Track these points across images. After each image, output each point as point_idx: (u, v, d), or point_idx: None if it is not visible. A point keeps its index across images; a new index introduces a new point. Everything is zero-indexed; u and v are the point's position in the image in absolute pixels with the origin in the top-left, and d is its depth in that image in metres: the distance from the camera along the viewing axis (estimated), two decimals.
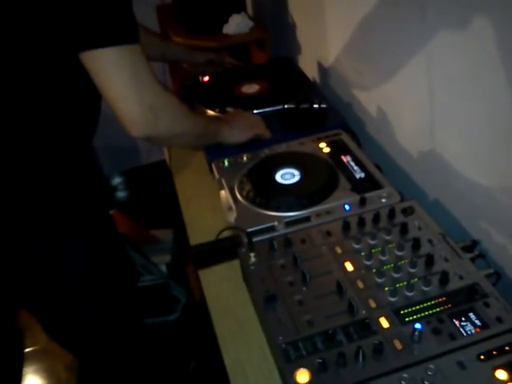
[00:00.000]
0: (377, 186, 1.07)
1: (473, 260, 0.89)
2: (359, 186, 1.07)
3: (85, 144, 1.08)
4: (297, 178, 1.12)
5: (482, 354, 0.72)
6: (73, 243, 1.05)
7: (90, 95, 0.93)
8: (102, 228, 1.15)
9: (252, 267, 0.92)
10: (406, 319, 0.78)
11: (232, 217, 1.05)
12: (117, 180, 3.08)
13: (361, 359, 0.73)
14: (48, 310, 1.15)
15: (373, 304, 0.81)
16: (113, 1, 0.82)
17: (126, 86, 0.86)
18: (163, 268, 2.08)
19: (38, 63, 0.88)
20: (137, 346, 1.35)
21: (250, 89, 1.50)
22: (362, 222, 0.97)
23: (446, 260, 0.87)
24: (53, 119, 0.95)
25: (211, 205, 1.21)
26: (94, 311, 1.17)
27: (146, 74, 0.89)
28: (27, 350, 2.09)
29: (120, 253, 1.26)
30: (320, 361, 0.73)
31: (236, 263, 0.99)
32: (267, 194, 1.07)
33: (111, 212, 2.01)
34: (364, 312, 0.80)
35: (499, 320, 0.76)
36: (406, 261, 0.88)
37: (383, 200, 1.03)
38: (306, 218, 1.02)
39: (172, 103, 0.97)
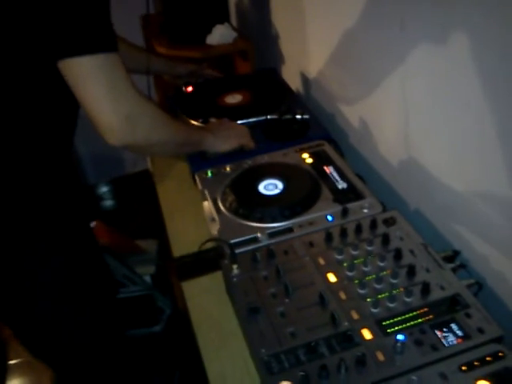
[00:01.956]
0: (359, 196, 1.07)
1: (454, 270, 0.89)
2: (341, 197, 1.08)
3: (64, 152, 1.07)
4: (280, 189, 1.12)
5: (463, 365, 0.72)
6: (50, 254, 1.04)
7: (67, 102, 0.92)
8: (80, 239, 1.14)
9: (235, 279, 0.92)
10: (389, 330, 0.78)
11: (215, 228, 1.05)
12: (101, 189, 3.07)
13: (343, 371, 0.73)
14: (25, 322, 1.13)
15: (355, 315, 0.81)
16: (90, 10, 0.82)
17: (102, 94, 0.86)
18: (148, 279, 2.07)
19: (16, 71, 0.88)
20: (119, 358, 1.34)
21: (234, 99, 1.51)
22: (344, 233, 0.97)
23: (428, 270, 0.88)
24: (30, 126, 0.95)
25: (194, 216, 1.20)
26: (73, 323, 1.15)
27: (123, 82, 0.89)
28: (11, 362, 2.06)
29: (98, 264, 1.24)
30: (302, 373, 0.72)
31: (219, 275, 0.98)
32: (250, 205, 1.07)
33: (94, 223, 2.00)
34: (346, 323, 0.80)
35: (480, 331, 0.76)
36: (388, 271, 0.88)
37: (365, 210, 1.04)
38: (289, 229, 1.02)
39: (150, 111, 0.97)
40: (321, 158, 1.22)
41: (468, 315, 0.79)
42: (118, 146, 0.93)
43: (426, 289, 0.83)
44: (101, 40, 0.85)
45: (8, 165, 0.95)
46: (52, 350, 1.19)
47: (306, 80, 1.67)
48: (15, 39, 0.84)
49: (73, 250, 1.10)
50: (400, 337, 0.76)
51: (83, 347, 1.20)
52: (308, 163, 1.20)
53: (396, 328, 0.79)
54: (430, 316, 0.80)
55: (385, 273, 0.88)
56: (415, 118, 1.09)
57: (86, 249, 1.17)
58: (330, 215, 1.04)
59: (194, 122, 1.38)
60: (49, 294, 1.08)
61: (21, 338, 1.20)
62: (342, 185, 1.11)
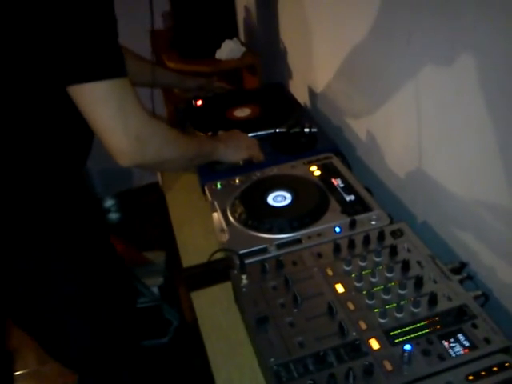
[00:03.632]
0: (366, 208, 1.09)
1: (461, 282, 0.90)
2: (349, 209, 1.09)
3: (79, 166, 1.09)
4: (288, 201, 1.13)
5: (470, 375, 0.73)
6: (68, 262, 1.06)
7: (83, 122, 0.95)
8: (98, 248, 1.16)
9: (244, 289, 0.93)
10: (396, 340, 0.79)
11: (224, 239, 1.06)
12: (109, 202, 3.09)
13: (351, 381, 0.74)
14: (44, 327, 1.15)
15: (363, 325, 0.82)
16: (99, 36, 0.84)
17: (112, 118, 0.88)
18: (155, 290, 2.08)
19: (29, 94, 0.90)
20: (133, 367, 1.35)
21: (242, 113, 1.53)
22: (352, 245, 0.98)
23: (435, 282, 0.89)
24: (47, 144, 0.97)
25: (204, 227, 1.22)
26: (91, 331, 1.17)
27: (133, 105, 0.90)
28: (17, 372, 2.07)
29: (118, 273, 1.26)
30: (311, 382, 0.73)
31: (228, 285, 0.99)
32: (259, 216, 1.09)
33: None
34: (354, 333, 0.81)
35: (487, 341, 0.77)
36: (396, 282, 0.89)
37: (373, 222, 1.05)
38: (298, 241, 1.03)
39: (159, 131, 0.98)
40: (329, 171, 1.23)
41: (475, 326, 0.80)
42: (129, 166, 0.95)
43: (433, 300, 0.84)
44: (110, 66, 0.86)
45: (26, 181, 0.97)
46: (69, 354, 1.21)
47: (313, 94, 1.69)
48: (26, 65, 0.86)
49: (92, 256, 1.12)
50: (407, 347, 0.77)
51: (100, 353, 1.22)
52: (316, 175, 1.22)
53: (403, 338, 0.79)
54: (438, 326, 0.80)
55: (392, 284, 0.89)
56: (422, 130, 1.10)
57: (106, 255, 1.19)
58: (338, 227, 1.05)
59: (203, 135, 1.40)
60: (71, 300, 1.11)
61: (40, 341, 1.22)
62: (349, 197, 1.13)
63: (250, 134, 1.37)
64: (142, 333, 1.51)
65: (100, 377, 1.29)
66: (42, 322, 1.13)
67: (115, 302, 1.21)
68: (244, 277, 0.95)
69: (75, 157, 1.07)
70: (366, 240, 0.99)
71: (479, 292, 0.89)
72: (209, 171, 1.27)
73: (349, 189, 1.16)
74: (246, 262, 0.98)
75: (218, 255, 1.03)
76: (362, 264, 0.94)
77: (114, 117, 0.88)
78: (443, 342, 0.78)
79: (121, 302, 1.24)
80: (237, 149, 1.25)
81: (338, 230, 1.05)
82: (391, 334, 0.80)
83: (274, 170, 1.26)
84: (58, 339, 1.17)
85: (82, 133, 1.04)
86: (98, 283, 1.14)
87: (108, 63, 0.86)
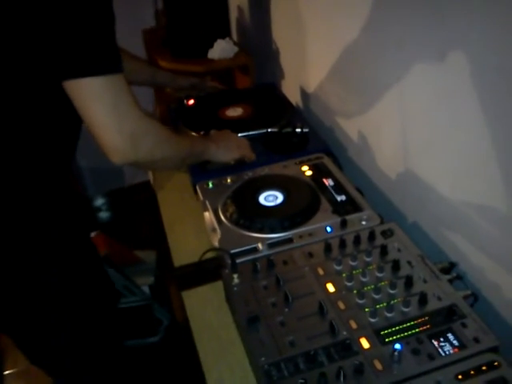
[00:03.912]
0: (357, 208, 1.09)
1: (451, 282, 0.91)
2: (340, 209, 1.09)
3: (64, 163, 1.08)
4: (280, 201, 1.14)
5: (459, 374, 0.73)
6: (49, 263, 1.05)
7: (71, 116, 0.94)
8: (79, 248, 1.15)
9: (235, 288, 0.93)
10: (386, 340, 0.80)
11: (216, 238, 1.06)
12: (100, 201, 3.08)
13: (342, 380, 0.74)
14: (24, 330, 1.13)
15: (354, 325, 0.83)
16: (96, 31, 0.84)
17: (106, 115, 0.87)
18: (146, 289, 2.07)
19: (22, 87, 0.89)
20: (117, 368, 1.34)
21: (235, 112, 1.53)
22: (343, 244, 0.98)
23: (425, 281, 0.89)
24: (33, 138, 0.96)
25: (195, 226, 1.22)
26: (71, 332, 1.15)
27: (128, 102, 0.90)
28: (7, 372, 2.05)
29: (98, 274, 1.25)
30: (302, 381, 0.73)
31: (219, 284, 0.99)
32: (250, 215, 1.09)
33: (94, 233, 2.01)
34: (345, 333, 0.82)
35: (476, 340, 0.78)
36: (386, 282, 0.89)
37: (363, 222, 1.05)
38: (289, 240, 1.03)
39: (153, 130, 0.98)
40: (320, 171, 1.24)
41: (464, 325, 0.80)
42: (121, 164, 0.94)
43: (423, 299, 0.85)
44: (106, 61, 0.86)
45: (8, 175, 0.96)
46: (50, 358, 1.20)
47: (305, 94, 1.70)
48: (22, 58, 0.85)
49: (72, 260, 1.10)
50: (397, 346, 0.77)
51: (82, 356, 1.20)
52: (307, 175, 1.22)
53: (394, 337, 0.80)
54: (427, 326, 0.81)
55: (383, 283, 0.90)
56: (413, 131, 1.11)
57: (86, 258, 1.18)
58: (329, 226, 1.05)
59: (195, 135, 1.40)
60: (48, 302, 1.09)
61: (20, 345, 1.20)
62: (340, 197, 1.13)
63: (242, 134, 1.37)
64: (126, 335, 1.49)
65: (76, 379, 1.27)
66: (21, 322, 1.11)
67: (95, 304, 1.19)
68: (235, 276, 0.95)
69: (62, 151, 1.05)
70: (357, 240, 0.99)
71: (468, 292, 0.90)
72: (200, 170, 1.27)
73: (340, 189, 1.16)
74: (238, 261, 0.98)
75: (210, 254, 1.03)
76: (353, 263, 0.95)
77: (109, 113, 0.88)
78: (433, 341, 0.79)
79: (101, 303, 1.22)
80: (228, 149, 1.25)
81: (328, 229, 1.05)
82: (381, 333, 0.81)
83: (265, 170, 1.26)
84: (35, 335, 1.15)
85: (68, 131, 1.03)
86: (81, 280, 1.12)
87: (105, 59, 0.86)
